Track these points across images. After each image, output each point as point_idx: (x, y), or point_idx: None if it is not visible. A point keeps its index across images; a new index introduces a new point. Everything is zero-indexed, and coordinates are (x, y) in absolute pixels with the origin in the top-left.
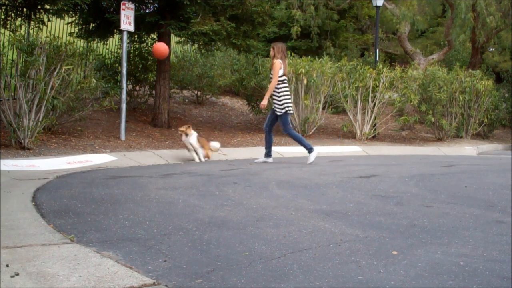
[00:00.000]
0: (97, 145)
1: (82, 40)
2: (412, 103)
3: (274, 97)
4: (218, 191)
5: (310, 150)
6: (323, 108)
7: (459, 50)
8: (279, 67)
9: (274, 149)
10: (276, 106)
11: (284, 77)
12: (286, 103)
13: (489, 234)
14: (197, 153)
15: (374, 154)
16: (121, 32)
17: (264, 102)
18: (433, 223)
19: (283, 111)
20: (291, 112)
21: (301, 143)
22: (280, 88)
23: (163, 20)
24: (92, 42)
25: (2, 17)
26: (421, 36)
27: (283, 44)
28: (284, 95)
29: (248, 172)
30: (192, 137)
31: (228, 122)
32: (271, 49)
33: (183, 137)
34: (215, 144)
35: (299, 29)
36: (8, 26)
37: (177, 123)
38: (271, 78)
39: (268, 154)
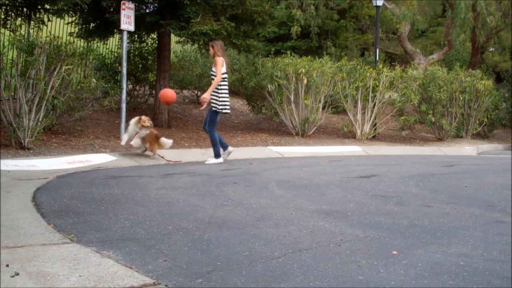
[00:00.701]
0: (97, 145)
1: (82, 40)
2: (412, 103)
3: (213, 94)
4: (218, 191)
5: (217, 156)
6: (323, 108)
7: (459, 50)
8: (221, 64)
9: (273, 149)
10: (214, 102)
11: (225, 75)
12: (224, 101)
13: (489, 234)
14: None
15: (374, 154)
16: (121, 32)
17: (207, 95)
18: (433, 223)
19: (219, 108)
20: (227, 112)
21: (214, 147)
22: (221, 85)
23: (163, 20)
24: (92, 42)
25: (2, 17)
26: (421, 36)
27: (222, 42)
28: (223, 93)
29: (248, 172)
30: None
31: (228, 122)
32: (211, 48)
33: (144, 130)
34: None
35: (299, 28)
36: (8, 26)
37: (177, 123)
38: (213, 75)
39: (224, 147)
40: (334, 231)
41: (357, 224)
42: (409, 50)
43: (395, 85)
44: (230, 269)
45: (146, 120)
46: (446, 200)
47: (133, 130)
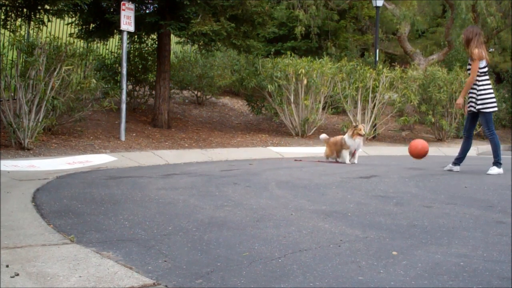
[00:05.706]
0: (97, 146)
1: (82, 41)
2: (412, 103)
3: (472, 92)
4: (218, 192)
5: (498, 164)
6: (323, 109)
7: (459, 50)
8: (478, 57)
9: (272, 149)
10: (472, 102)
11: (485, 69)
12: (484, 99)
13: (489, 234)
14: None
15: (374, 154)
16: (121, 32)
17: (459, 101)
18: (433, 224)
19: (477, 108)
20: (491, 110)
21: (495, 153)
22: (479, 81)
23: (163, 21)
24: (92, 42)
25: (2, 17)
26: (421, 37)
27: (478, 29)
28: (483, 90)
29: (248, 173)
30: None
31: (228, 123)
32: (463, 37)
33: (356, 138)
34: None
35: (303, 29)
36: (8, 27)
37: (177, 124)
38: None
39: (456, 162)
40: (334, 231)
41: (357, 225)
42: (409, 50)
43: (395, 85)
44: (230, 270)
45: (362, 128)
46: (446, 200)
47: (352, 143)
